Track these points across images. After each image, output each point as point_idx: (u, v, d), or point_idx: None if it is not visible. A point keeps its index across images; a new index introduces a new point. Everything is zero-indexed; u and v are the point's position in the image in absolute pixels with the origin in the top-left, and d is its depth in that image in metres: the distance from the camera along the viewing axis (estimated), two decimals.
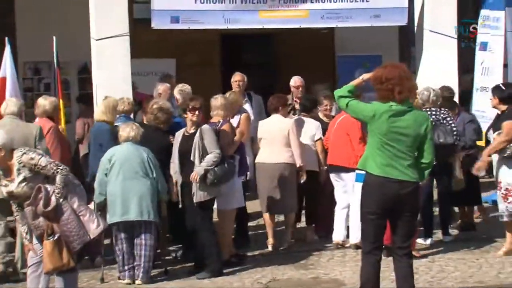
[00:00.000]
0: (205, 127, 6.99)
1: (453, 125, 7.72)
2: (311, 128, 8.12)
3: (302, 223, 8.48)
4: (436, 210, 8.03)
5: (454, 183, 7.84)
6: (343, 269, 6.97)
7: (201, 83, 9.64)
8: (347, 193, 7.68)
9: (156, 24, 9.19)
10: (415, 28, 10.38)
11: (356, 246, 7.26)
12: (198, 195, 6.83)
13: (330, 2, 9.79)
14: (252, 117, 8.60)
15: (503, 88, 7.42)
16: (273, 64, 12.73)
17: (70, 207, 5.58)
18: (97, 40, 9.05)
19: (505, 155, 7.12)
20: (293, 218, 8.04)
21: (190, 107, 6.97)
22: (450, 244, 7.74)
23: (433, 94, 7.99)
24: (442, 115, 7.77)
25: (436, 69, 9.97)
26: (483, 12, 10.26)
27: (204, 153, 6.83)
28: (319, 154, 8.09)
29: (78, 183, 5.93)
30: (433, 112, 7.80)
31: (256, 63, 12.72)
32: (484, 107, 9.59)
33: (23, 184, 5.62)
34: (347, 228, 7.75)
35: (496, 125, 7.27)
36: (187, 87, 8.41)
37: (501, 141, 7.17)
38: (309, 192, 8.17)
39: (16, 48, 10.53)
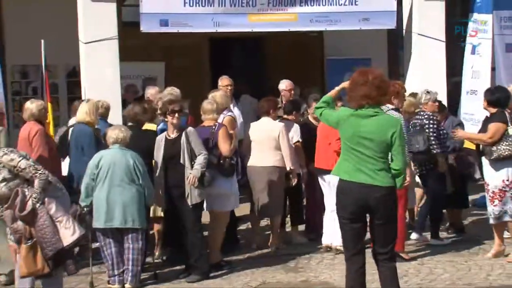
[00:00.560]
0: (190, 129, 7.00)
1: (431, 132, 7.74)
2: (290, 131, 8.14)
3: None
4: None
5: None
6: (332, 272, 6.97)
7: (190, 86, 9.63)
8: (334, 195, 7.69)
9: (145, 27, 9.16)
10: (404, 31, 10.42)
11: (339, 251, 7.26)
12: (193, 197, 6.83)
13: (319, 5, 9.81)
14: (241, 120, 8.59)
15: (493, 91, 7.46)
16: (262, 68, 12.74)
17: (47, 212, 5.52)
18: (85, 43, 9.02)
19: (492, 158, 7.16)
20: (279, 221, 8.06)
21: (170, 110, 6.95)
22: (440, 247, 7.76)
23: (425, 97, 8.02)
24: (424, 121, 7.81)
25: (424, 72, 10.02)
26: (473, 15, 10.32)
27: (192, 155, 6.83)
28: (298, 156, 8.10)
29: (61, 187, 5.88)
30: (420, 117, 7.85)
31: (245, 66, 12.72)
32: (473, 110, 9.65)
33: (2, 184, 5.59)
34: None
35: (484, 128, 7.31)
36: (176, 91, 8.39)
37: (483, 138, 7.20)
38: (291, 194, 8.21)
39: (4, 51, 10.52)
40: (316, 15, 9.83)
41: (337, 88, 5.53)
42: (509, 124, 7.14)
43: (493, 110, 7.29)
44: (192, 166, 6.82)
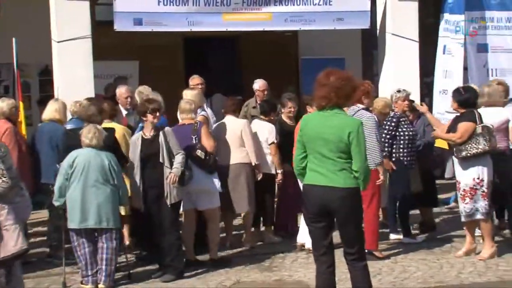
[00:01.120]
0: (168, 129, 7.00)
1: (386, 132, 7.80)
2: (265, 132, 8.16)
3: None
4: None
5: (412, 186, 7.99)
6: (307, 271, 6.99)
7: (165, 85, 9.59)
8: None
9: (119, 26, 9.11)
10: (378, 31, 10.49)
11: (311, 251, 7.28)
12: (172, 197, 6.83)
13: (294, 5, 9.84)
14: (214, 119, 8.58)
15: (462, 92, 7.53)
16: (237, 67, 12.74)
17: None
18: (58, 42, 8.94)
19: (460, 156, 7.25)
20: (250, 218, 8.09)
21: (151, 108, 6.93)
22: (412, 245, 7.83)
23: (395, 95, 8.09)
24: (387, 120, 7.89)
25: (398, 72, 10.09)
26: (444, 16, 10.42)
27: (170, 155, 6.82)
28: (273, 157, 8.12)
29: (23, 192, 5.75)
30: (389, 117, 7.94)
31: (220, 66, 12.71)
32: (445, 110, 9.74)
33: None
34: None
35: (454, 128, 7.38)
36: (148, 89, 8.37)
37: (453, 138, 7.28)
38: (264, 194, 8.23)
39: None
40: (291, 14, 9.86)
41: None
42: (478, 123, 7.22)
43: (462, 110, 7.37)
44: (171, 165, 6.81)
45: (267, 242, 8.23)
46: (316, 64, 11.20)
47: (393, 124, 7.90)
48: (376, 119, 7.52)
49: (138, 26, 9.19)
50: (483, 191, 7.18)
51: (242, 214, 8.16)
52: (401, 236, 8.02)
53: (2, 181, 5.44)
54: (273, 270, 7.17)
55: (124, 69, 11.03)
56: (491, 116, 7.48)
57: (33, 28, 9.70)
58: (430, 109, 10.14)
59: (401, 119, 7.96)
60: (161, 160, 6.82)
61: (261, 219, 8.42)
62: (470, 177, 7.22)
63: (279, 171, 8.11)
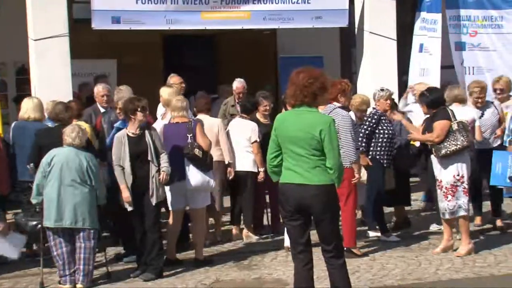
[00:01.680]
0: (154, 127, 7.03)
1: (365, 127, 7.85)
2: (247, 130, 8.17)
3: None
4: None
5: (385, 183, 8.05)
6: (286, 269, 7.00)
7: (143, 84, 9.55)
8: None
9: (97, 24, 9.06)
10: (356, 29, 10.54)
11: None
12: (158, 196, 6.82)
13: (272, 3, 9.85)
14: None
15: (427, 94, 7.56)
16: (216, 65, 12.73)
17: None
18: (35, 40, 8.87)
19: (440, 155, 7.30)
20: (219, 214, 8.23)
21: (141, 107, 6.90)
22: (391, 242, 7.88)
23: (378, 94, 8.12)
24: (368, 116, 7.94)
25: (376, 70, 10.15)
26: (421, 14, 10.49)
27: (157, 153, 6.84)
28: (255, 155, 8.13)
29: None
30: (370, 113, 7.98)
31: (199, 64, 12.70)
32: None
33: None
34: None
35: (429, 128, 7.43)
36: (128, 89, 8.32)
37: (430, 139, 7.34)
38: (242, 192, 8.26)
39: None
40: (269, 13, 9.87)
41: None
42: (453, 120, 7.28)
43: (433, 111, 7.42)
44: (157, 164, 6.80)
45: (246, 242, 8.24)
46: (295, 62, 11.21)
47: (373, 120, 7.94)
48: (353, 117, 7.56)
49: (116, 25, 9.14)
50: (464, 187, 7.25)
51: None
52: (379, 234, 8.07)
53: None
54: (253, 268, 7.18)
55: (102, 68, 10.97)
56: (459, 115, 7.57)
57: (9, 27, 9.61)
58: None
59: (382, 117, 8.00)
60: (149, 158, 6.80)
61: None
62: (450, 175, 7.27)
63: (261, 169, 8.12)
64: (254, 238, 8.28)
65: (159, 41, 12.01)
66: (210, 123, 7.93)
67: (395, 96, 9.71)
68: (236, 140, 8.23)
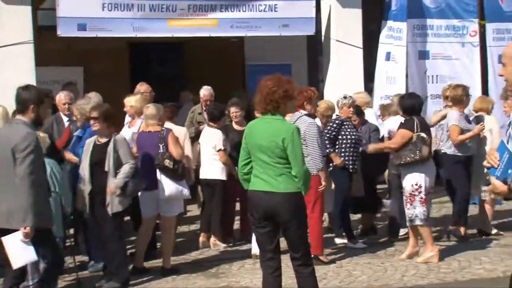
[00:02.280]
0: (119, 137, 6.89)
1: (327, 134, 7.89)
2: (213, 139, 8.17)
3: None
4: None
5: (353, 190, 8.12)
6: (253, 277, 7.00)
7: (110, 91, 9.49)
8: None
9: (62, 31, 8.99)
10: (323, 38, 10.62)
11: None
12: (114, 206, 6.73)
13: (239, 11, 9.89)
14: None
15: (406, 98, 7.67)
16: (184, 73, 12.71)
17: None
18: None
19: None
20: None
21: (92, 117, 6.83)
22: (357, 249, 7.94)
23: (341, 102, 8.18)
24: (330, 122, 8.00)
25: (342, 78, 10.24)
26: (387, 23, 10.62)
27: (118, 164, 6.74)
28: (224, 163, 8.13)
29: None
30: (332, 120, 8.04)
31: (166, 72, 12.66)
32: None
33: None
34: None
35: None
36: (98, 96, 8.26)
37: (390, 146, 7.43)
38: (210, 201, 8.27)
39: None
40: (237, 20, 9.90)
41: None
42: (416, 131, 7.33)
43: (407, 117, 7.51)
44: (116, 174, 6.72)
45: (214, 249, 8.22)
46: (262, 70, 11.26)
47: (334, 126, 7.99)
48: (320, 124, 7.60)
49: (82, 32, 9.08)
50: (421, 198, 7.30)
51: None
52: (346, 241, 8.12)
53: None
54: (220, 276, 7.16)
55: (68, 75, 10.87)
56: (397, 123, 7.70)
57: None
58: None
59: (344, 123, 8.05)
60: (106, 169, 6.72)
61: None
62: (409, 183, 7.36)
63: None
64: (221, 246, 8.27)
65: (126, 49, 11.96)
66: (177, 132, 7.92)
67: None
68: (204, 148, 8.24)
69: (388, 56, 10.56)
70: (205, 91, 9.49)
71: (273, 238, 5.25)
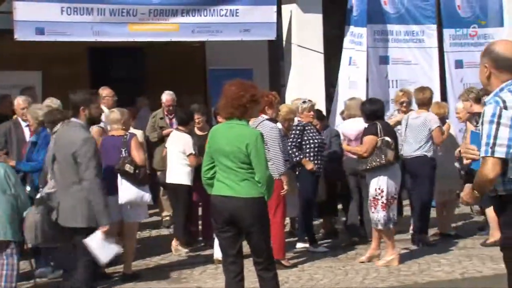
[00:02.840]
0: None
1: (291, 141, 7.91)
2: (181, 144, 8.14)
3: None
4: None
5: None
6: (216, 281, 6.99)
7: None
8: None
9: (20, 35, 8.85)
10: (284, 43, 10.66)
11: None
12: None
13: (201, 16, 9.86)
14: None
15: (369, 104, 7.70)
16: (145, 78, 12.63)
17: None
18: None
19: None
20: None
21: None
22: (319, 253, 7.97)
23: (301, 107, 8.21)
24: (292, 129, 8.03)
25: (304, 83, 10.29)
26: (350, 28, 10.72)
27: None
28: (193, 167, 8.11)
29: None
30: (294, 126, 8.08)
31: (127, 76, 12.56)
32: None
33: None
34: None
35: (361, 141, 7.58)
36: (56, 101, 8.15)
37: (359, 152, 7.50)
38: (177, 204, 8.24)
39: None
40: (198, 25, 9.88)
41: None
42: (379, 136, 7.40)
43: (370, 122, 7.58)
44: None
45: (175, 253, 8.18)
46: (224, 75, 11.32)
47: (297, 132, 8.02)
48: (281, 128, 7.62)
49: (40, 36, 8.96)
50: (383, 202, 7.34)
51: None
52: (307, 245, 8.15)
53: None
54: (182, 281, 7.13)
55: (26, 80, 10.69)
56: (351, 126, 7.80)
57: None
58: (334, 118, 10.41)
59: (306, 127, 8.08)
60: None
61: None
62: (373, 188, 7.41)
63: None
64: (183, 251, 8.23)
65: (86, 53, 11.83)
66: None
67: (323, 108, 9.87)
68: (172, 152, 8.20)
69: (350, 61, 10.66)
70: (167, 96, 9.45)
71: (235, 243, 5.26)
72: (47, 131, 7.15)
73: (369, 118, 7.55)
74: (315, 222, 8.67)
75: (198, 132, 8.47)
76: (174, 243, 8.28)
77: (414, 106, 8.73)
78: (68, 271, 6.76)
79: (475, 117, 7.79)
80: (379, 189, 7.34)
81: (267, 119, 7.16)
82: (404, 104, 8.75)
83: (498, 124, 3.77)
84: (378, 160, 7.27)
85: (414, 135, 8.15)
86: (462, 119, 8.51)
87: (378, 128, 7.41)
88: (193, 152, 8.07)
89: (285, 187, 7.18)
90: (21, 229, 6.52)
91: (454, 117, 9.21)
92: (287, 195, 7.28)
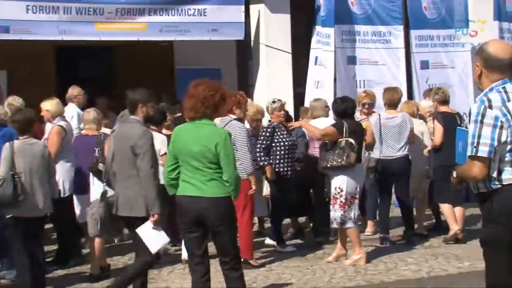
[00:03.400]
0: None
1: (260, 142, 7.91)
2: (157, 143, 8.08)
3: None
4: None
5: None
6: (183, 281, 6.97)
7: (35, 96, 9.26)
8: None
9: None
10: (252, 42, 10.67)
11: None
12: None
13: (169, 15, 9.83)
14: (75, 131, 8.34)
15: (339, 102, 7.70)
16: (113, 77, 12.53)
17: None
18: None
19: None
20: None
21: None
22: (287, 253, 8.00)
23: (270, 107, 8.22)
24: (262, 130, 8.03)
25: (272, 83, 10.31)
26: (317, 28, 10.76)
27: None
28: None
29: None
30: (264, 127, 8.09)
31: (95, 76, 12.46)
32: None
33: None
34: None
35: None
36: (19, 100, 8.05)
37: (315, 131, 7.57)
38: None
39: None
40: (166, 24, 9.85)
41: None
42: (344, 135, 7.40)
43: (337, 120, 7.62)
44: None
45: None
46: (192, 74, 11.21)
47: (267, 133, 8.01)
48: (249, 128, 7.63)
49: (4, 34, 8.86)
50: (341, 201, 7.34)
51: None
52: (275, 243, 8.15)
53: None
54: (150, 282, 7.03)
55: None
56: (316, 126, 7.80)
57: None
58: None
59: (276, 129, 8.08)
60: None
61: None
62: (333, 186, 7.45)
63: None
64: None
65: (52, 52, 11.69)
66: None
67: (291, 108, 9.90)
68: None
69: (316, 61, 10.70)
70: None
71: (202, 243, 5.26)
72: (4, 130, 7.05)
73: (339, 115, 7.56)
74: (283, 222, 8.69)
75: (164, 132, 8.43)
76: None
77: (376, 108, 8.82)
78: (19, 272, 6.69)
79: (441, 115, 7.99)
80: (338, 188, 7.35)
81: (235, 119, 7.16)
82: (366, 106, 8.82)
83: (482, 123, 3.87)
84: (339, 160, 7.27)
85: (393, 136, 8.22)
86: (427, 117, 8.68)
87: (344, 127, 7.38)
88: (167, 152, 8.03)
89: (253, 186, 7.20)
90: None
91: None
92: (255, 194, 7.30)
